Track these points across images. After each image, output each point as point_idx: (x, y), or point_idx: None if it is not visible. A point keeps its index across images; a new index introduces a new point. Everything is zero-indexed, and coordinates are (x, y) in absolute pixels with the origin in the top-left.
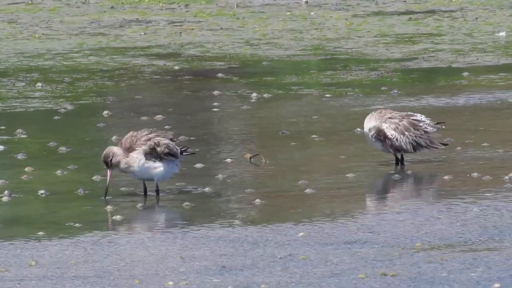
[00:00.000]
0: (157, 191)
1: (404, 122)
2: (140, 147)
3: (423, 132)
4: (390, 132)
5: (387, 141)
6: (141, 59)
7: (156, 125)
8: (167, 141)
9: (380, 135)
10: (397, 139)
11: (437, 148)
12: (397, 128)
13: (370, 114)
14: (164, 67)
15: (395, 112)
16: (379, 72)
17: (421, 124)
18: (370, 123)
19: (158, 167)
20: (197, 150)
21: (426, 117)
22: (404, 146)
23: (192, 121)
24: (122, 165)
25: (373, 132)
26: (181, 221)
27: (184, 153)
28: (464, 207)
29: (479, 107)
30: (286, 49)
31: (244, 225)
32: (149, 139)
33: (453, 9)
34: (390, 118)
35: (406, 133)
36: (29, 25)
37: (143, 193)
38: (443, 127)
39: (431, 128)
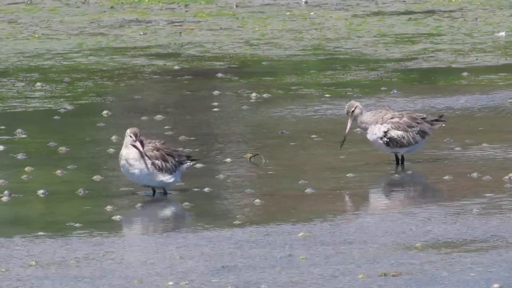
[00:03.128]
0: (165, 192)
1: (405, 118)
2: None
3: (422, 121)
4: (396, 133)
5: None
6: (141, 59)
7: (156, 125)
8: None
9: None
10: (403, 137)
11: (439, 126)
12: (399, 126)
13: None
14: (163, 67)
15: (395, 111)
16: (379, 72)
17: (418, 115)
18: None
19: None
20: (197, 160)
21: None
22: (413, 140)
23: (192, 121)
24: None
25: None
26: (180, 221)
27: (187, 163)
28: (464, 207)
29: (479, 107)
30: (285, 49)
31: (244, 225)
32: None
33: (452, 9)
34: (391, 118)
35: (409, 129)
36: (29, 25)
37: (152, 194)
38: (444, 120)
39: (429, 116)
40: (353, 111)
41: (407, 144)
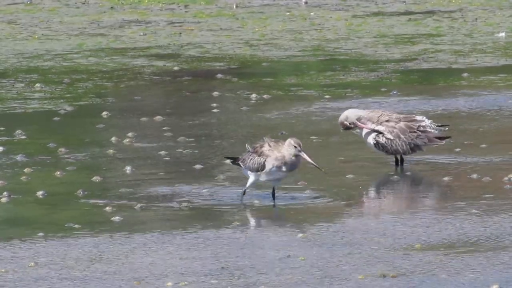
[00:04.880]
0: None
1: (401, 124)
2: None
3: (420, 133)
4: (387, 136)
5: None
6: (141, 59)
7: (156, 126)
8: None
9: (344, 126)
10: (391, 145)
11: (436, 144)
12: (393, 131)
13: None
14: (163, 67)
15: (393, 114)
16: (379, 73)
17: (417, 125)
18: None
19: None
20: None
21: (428, 118)
22: (401, 149)
23: (192, 122)
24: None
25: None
26: (180, 222)
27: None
28: (464, 208)
29: (479, 108)
30: (285, 49)
31: (243, 226)
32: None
33: (452, 10)
34: (387, 121)
35: (402, 136)
36: (29, 25)
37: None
38: (446, 129)
39: (432, 130)
40: (350, 124)
41: (394, 152)
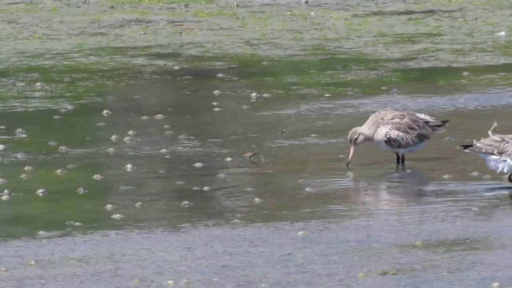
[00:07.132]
0: None
1: (406, 120)
2: None
3: (424, 124)
4: (395, 133)
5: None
6: (141, 59)
7: (156, 124)
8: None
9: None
10: (402, 138)
11: (439, 131)
12: (400, 127)
13: (372, 116)
14: (164, 67)
15: (396, 112)
16: (379, 71)
17: (420, 118)
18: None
19: None
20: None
21: (430, 117)
22: (411, 142)
23: (192, 120)
24: None
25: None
26: (180, 220)
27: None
28: (464, 207)
29: (479, 106)
30: (286, 49)
31: (243, 224)
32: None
33: (453, 9)
34: (391, 119)
35: (410, 130)
36: (29, 25)
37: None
38: (447, 125)
39: (431, 119)
40: (356, 138)
41: (405, 145)
